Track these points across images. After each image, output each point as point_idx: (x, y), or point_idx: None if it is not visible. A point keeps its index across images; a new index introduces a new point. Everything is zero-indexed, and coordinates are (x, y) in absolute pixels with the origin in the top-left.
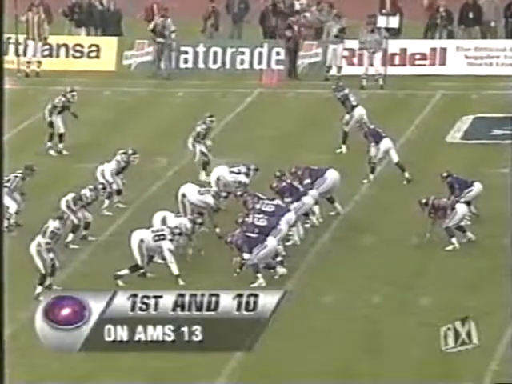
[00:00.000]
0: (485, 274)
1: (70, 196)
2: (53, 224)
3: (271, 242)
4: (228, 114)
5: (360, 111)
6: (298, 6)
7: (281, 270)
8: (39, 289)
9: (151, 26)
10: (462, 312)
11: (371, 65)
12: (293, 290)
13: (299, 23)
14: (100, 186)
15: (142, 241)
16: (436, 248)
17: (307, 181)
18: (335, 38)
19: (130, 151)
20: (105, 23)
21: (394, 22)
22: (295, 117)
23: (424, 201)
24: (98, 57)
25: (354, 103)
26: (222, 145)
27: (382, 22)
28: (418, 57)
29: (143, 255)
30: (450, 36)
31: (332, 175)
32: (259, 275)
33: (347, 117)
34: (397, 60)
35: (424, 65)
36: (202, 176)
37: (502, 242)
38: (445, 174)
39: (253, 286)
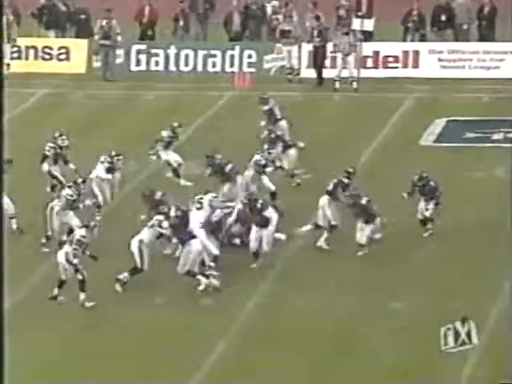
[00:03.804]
0: (462, 278)
1: (58, 205)
2: (79, 232)
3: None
4: (200, 117)
5: (283, 125)
6: (269, 9)
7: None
8: (82, 295)
9: (96, 28)
10: (439, 316)
11: (344, 67)
12: (267, 293)
13: (273, 25)
14: (80, 180)
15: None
16: (412, 251)
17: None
18: (286, 39)
19: (114, 153)
20: (74, 25)
21: (368, 24)
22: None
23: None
24: (67, 59)
25: (278, 117)
26: (194, 148)
27: (356, 24)
28: (390, 59)
29: (143, 257)
30: (423, 39)
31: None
32: (199, 277)
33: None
34: (369, 62)
35: (397, 67)
36: (182, 182)
37: (476, 244)
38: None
39: (200, 289)
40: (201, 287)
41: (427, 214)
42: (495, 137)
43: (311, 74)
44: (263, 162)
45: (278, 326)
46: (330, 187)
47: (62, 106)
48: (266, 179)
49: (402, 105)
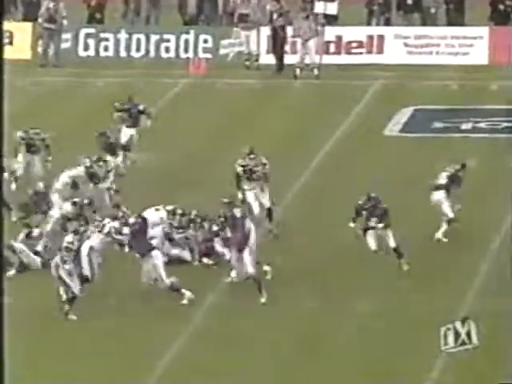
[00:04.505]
0: (429, 276)
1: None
2: (66, 239)
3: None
4: (152, 105)
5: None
6: None
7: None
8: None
9: (42, 10)
10: (402, 317)
11: (306, 53)
12: (224, 293)
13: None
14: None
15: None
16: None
17: None
18: (244, 23)
19: (94, 158)
20: (22, 7)
21: (332, 8)
22: (223, 108)
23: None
24: (10, 43)
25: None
26: (147, 138)
27: (319, 7)
28: (354, 45)
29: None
30: (388, 23)
31: None
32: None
33: (131, 131)
34: (332, 48)
35: (361, 53)
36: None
37: (441, 242)
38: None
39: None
40: (184, 301)
41: (393, 244)
42: (464, 127)
43: (270, 60)
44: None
45: (236, 328)
46: (445, 181)
47: (6, 93)
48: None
49: (367, 93)
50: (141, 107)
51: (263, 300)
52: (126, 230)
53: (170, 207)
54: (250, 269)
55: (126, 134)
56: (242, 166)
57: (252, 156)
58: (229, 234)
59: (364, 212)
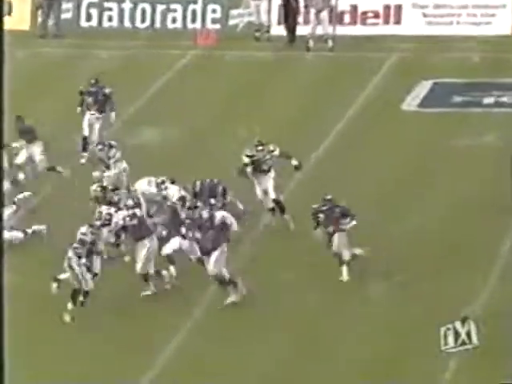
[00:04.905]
0: (445, 260)
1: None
2: (80, 230)
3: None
4: (158, 78)
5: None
6: None
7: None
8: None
9: None
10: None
11: (318, 24)
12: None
13: None
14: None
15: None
16: (388, 228)
17: None
18: None
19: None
20: None
21: None
22: (232, 81)
23: None
24: (9, 14)
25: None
26: (151, 113)
27: None
28: (370, 15)
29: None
30: None
31: None
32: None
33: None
34: (346, 18)
35: (377, 24)
36: None
37: (463, 218)
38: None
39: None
40: (167, 286)
41: (346, 257)
42: (486, 101)
43: (282, 31)
44: None
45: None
46: None
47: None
48: None
49: (383, 65)
50: (107, 91)
51: (231, 299)
52: (138, 212)
53: (160, 179)
54: (212, 270)
55: (89, 121)
56: (249, 156)
57: (260, 148)
58: (198, 235)
59: (321, 215)
